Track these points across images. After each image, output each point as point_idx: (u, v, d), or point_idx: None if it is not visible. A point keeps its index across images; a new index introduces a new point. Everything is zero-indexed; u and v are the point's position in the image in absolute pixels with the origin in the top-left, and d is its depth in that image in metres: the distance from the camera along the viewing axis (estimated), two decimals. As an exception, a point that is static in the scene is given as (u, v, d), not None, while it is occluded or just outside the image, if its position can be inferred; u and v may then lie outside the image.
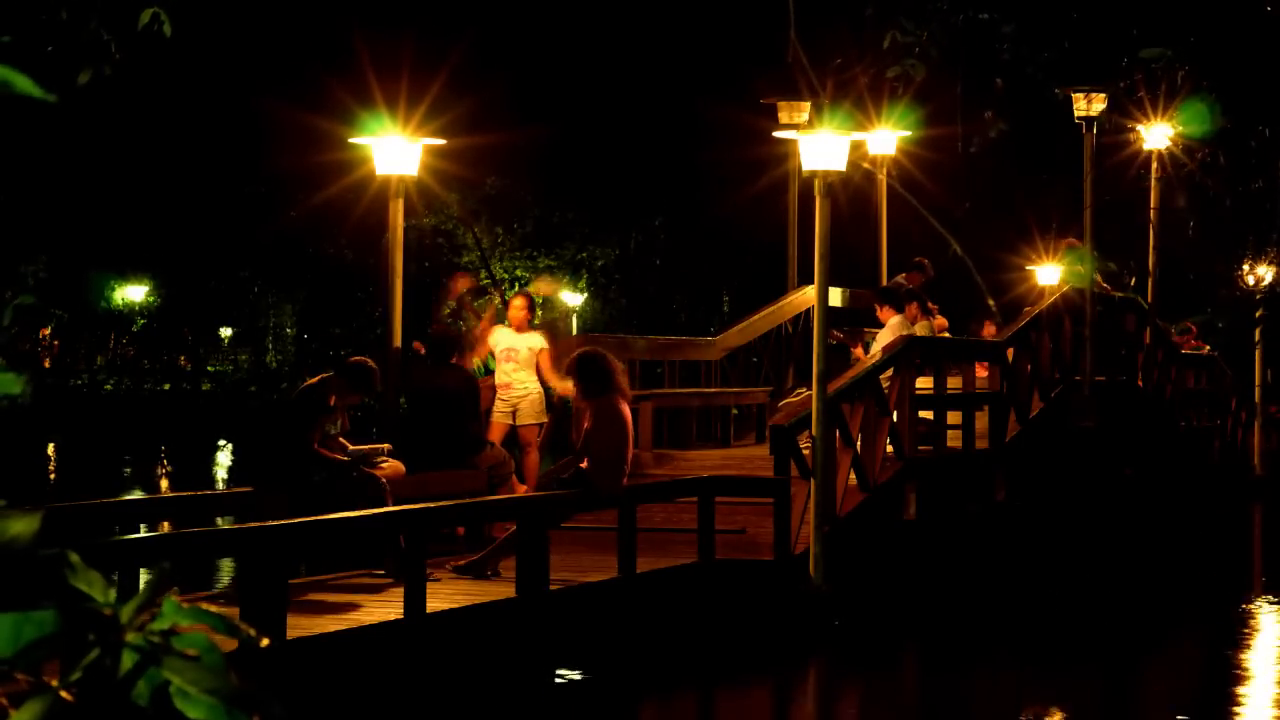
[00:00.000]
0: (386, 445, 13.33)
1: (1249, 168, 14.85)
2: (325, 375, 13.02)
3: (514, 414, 15.98)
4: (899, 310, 18.05)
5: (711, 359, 19.51)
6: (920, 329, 18.12)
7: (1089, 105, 19.66)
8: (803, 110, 18.44)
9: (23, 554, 1.66)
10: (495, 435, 15.68)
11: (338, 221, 43.90)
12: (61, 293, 54.68)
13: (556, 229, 50.19)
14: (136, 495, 25.70)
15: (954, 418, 17.64)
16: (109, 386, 58.18)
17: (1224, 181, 15.04)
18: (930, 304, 19.24)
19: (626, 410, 13.05)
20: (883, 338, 17.61)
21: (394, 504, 12.28)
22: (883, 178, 20.61)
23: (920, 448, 16.84)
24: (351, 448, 12.80)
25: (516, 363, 16.07)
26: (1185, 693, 12.90)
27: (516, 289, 49.33)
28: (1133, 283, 22.53)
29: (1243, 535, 24.04)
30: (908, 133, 19.76)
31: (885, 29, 10.96)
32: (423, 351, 15.07)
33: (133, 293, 58.92)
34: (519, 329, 16.25)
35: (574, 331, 47.12)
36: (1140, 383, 23.08)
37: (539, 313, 17.56)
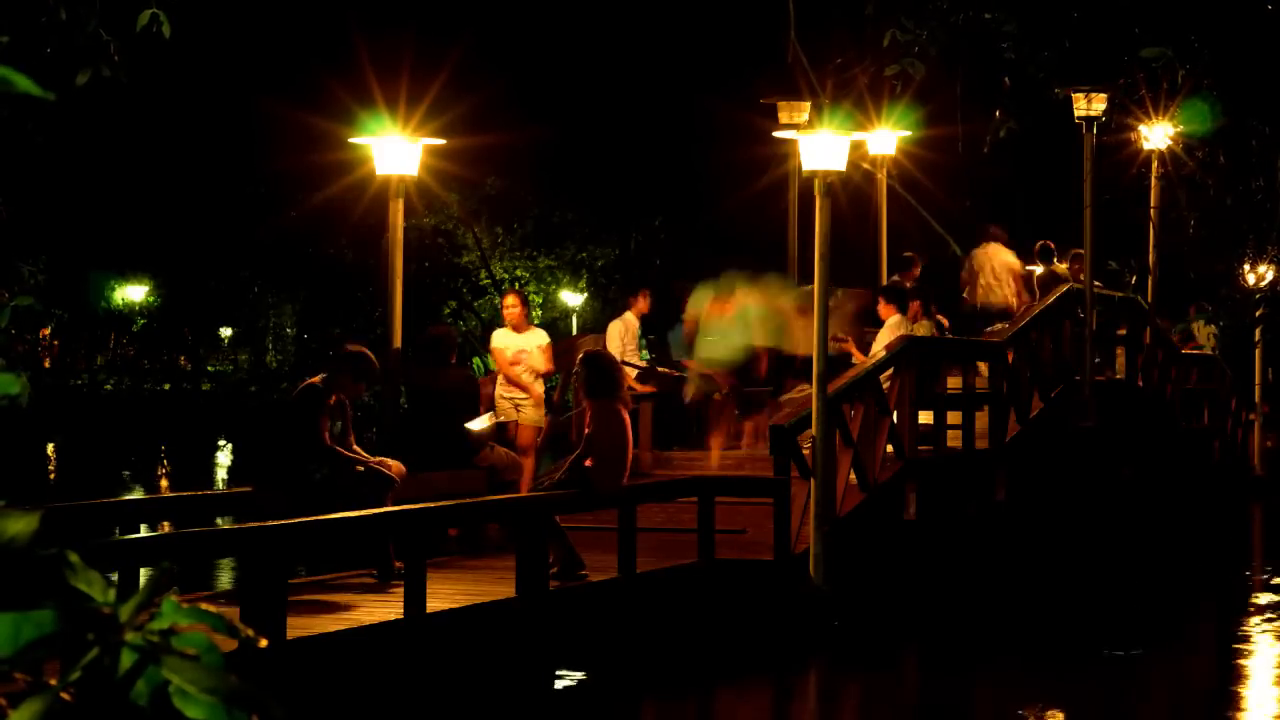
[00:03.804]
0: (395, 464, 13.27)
1: (1249, 166, 14.84)
2: (324, 373, 12.98)
3: (517, 409, 16.04)
4: (902, 309, 18.04)
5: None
6: (921, 329, 18.13)
7: (1089, 105, 19.65)
8: (803, 110, 18.43)
9: (22, 554, 1.66)
10: (510, 431, 15.83)
11: (338, 221, 43.86)
12: (61, 293, 54.70)
13: (556, 229, 50.16)
14: (136, 495, 25.69)
15: (954, 418, 17.64)
16: (109, 386, 58.20)
17: (1224, 180, 15.03)
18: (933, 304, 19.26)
19: (626, 414, 13.09)
20: (883, 337, 17.61)
21: (393, 504, 12.28)
22: (882, 178, 20.61)
23: (920, 448, 16.84)
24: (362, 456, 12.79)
25: (528, 364, 16.13)
26: (1185, 693, 12.90)
27: (506, 288, 49.37)
28: (1133, 280, 22.55)
29: (1243, 535, 24.04)
30: (908, 133, 19.76)
31: (885, 28, 10.96)
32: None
33: (133, 293, 58.94)
34: (518, 328, 16.29)
35: (574, 331, 47.12)
36: (1140, 383, 23.08)
37: (537, 313, 17.79)
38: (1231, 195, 15.14)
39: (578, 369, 13.29)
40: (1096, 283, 21.07)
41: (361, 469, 12.60)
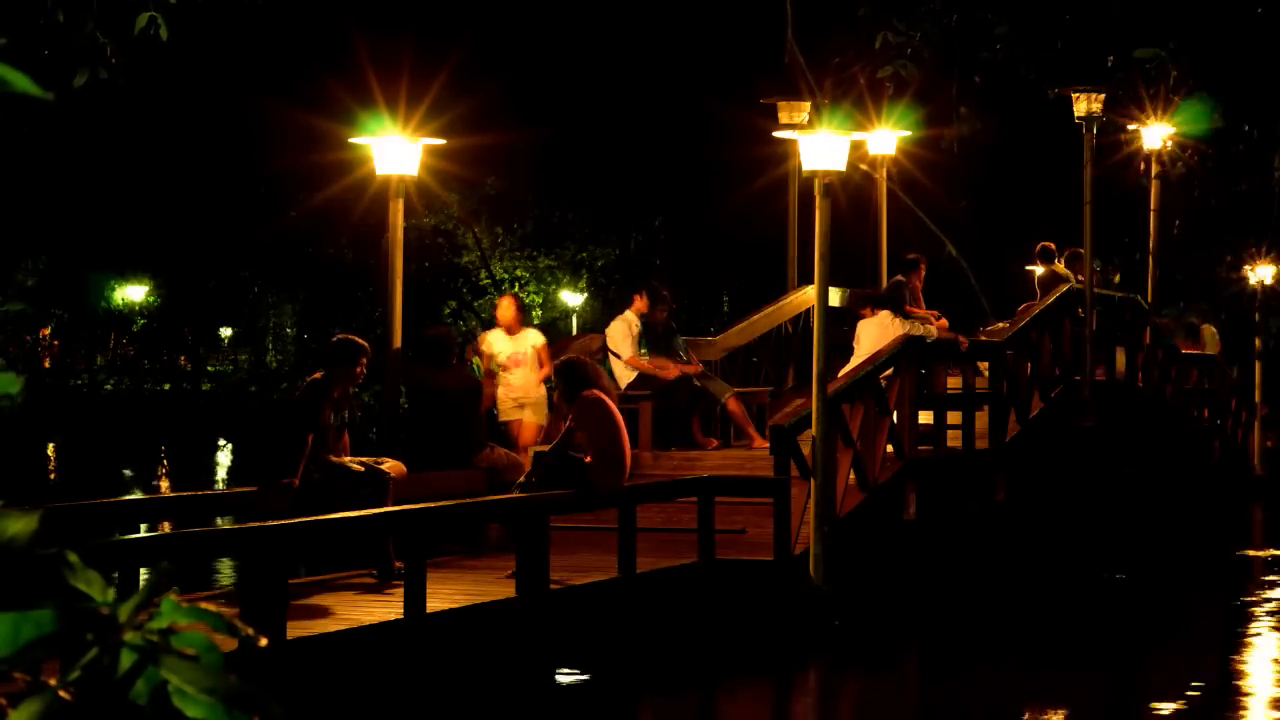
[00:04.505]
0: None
1: (1237, 169, 14.87)
2: (323, 369, 13.02)
3: (521, 409, 16.12)
4: (894, 309, 18.06)
5: (712, 359, 19.49)
6: (898, 327, 18.12)
7: (1088, 105, 19.66)
8: (803, 110, 18.44)
9: (21, 553, 1.66)
10: (514, 430, 15.95)
11: (338, 221, 43.88)
12: (61, 293, 54.71)
13: (556, 229, 50.15)
14: (136, 495, 25.70)
15: (954, 418, 17.64)
16: (109, 386, 58.20)
17: (1210, 182, 15.06)
18: (921, 308, 19.28)
19: (612, 404, 13.12)
20: (877, 338, 17.58)
21: (394, 504, 12.29)
22: (882, 178, 20.61)
23: (920, 448, 16.85)
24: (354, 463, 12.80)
25: (523, 365, 16.18)
26: (1186, 692, 12.90)
27: (506, 289, 49.30)
28: (1117, 279, 22.57)
29: (1242, 535, 24.03)
30: (907, 132, 19.75)
31: (879, 30, 10.97)
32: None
33: (133, 293, 58.94)
34: (511, 330, 16.33)
35: (574, 332, 47.12)
36: (1140, 383, 23.08)
37: (537, 313, 17.83)
38: (1217, 197, 15.17)
39: (554, 381, 13.39)
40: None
41: (361, 469, 12.61)
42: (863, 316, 18.32)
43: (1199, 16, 12.20)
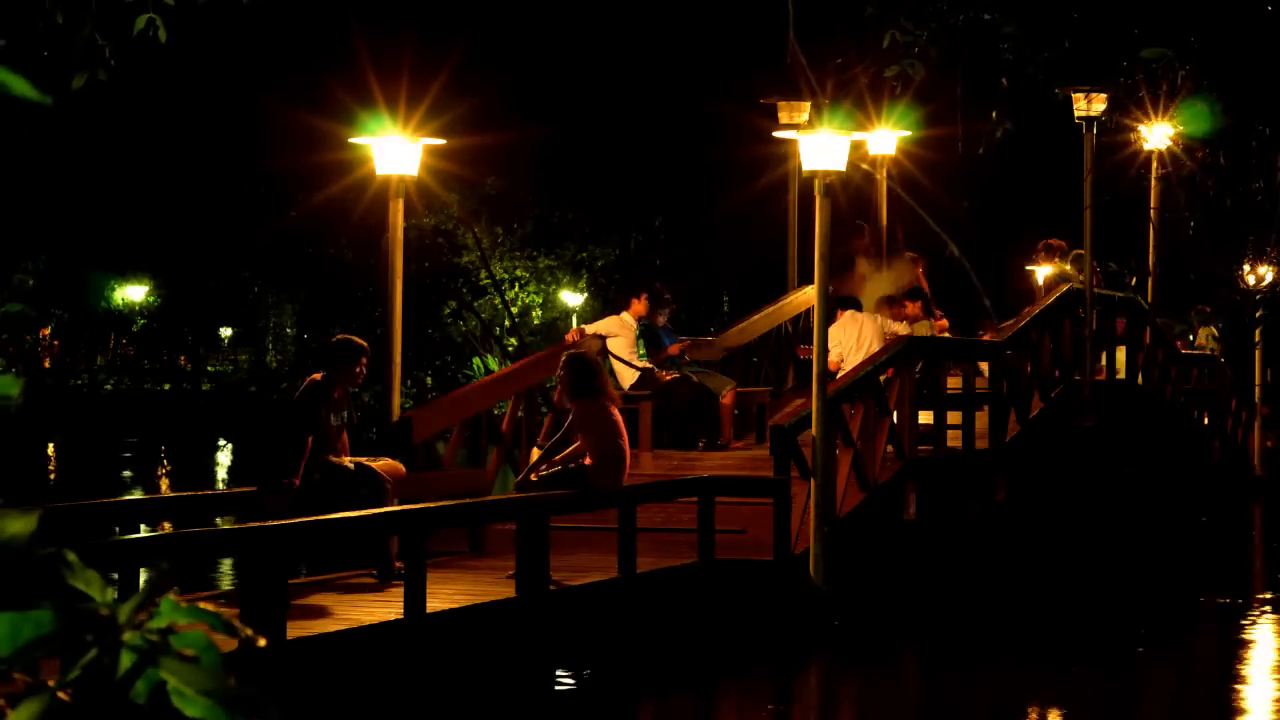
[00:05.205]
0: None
1: (1249, 167, 14.84)
2: (324, 369, 13.01)
3: None
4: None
5: (711, 359, 19.49)
6: (920, 329, 18.13)
7: (1089, 105, 19.65)
8: (803, 110, 18.43)
9: (20, 553, 1.66)
10: None
11: (338, 221, 43.89)
12: (61, 293, 54.71)
13: (556, 229, 50.15)
14: (136, 495, 25.69)
15: (954, 418, 17.64)
16: (109, 386, 58.21)
17: (1224, 181, 15.04)
18: (934, 306, 19.27)
19: (615, 411, 13.10)
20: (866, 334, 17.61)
21: (394, 504, 12.28)
22: (882, 178, 20.60)
23: (920, 448, 16.84)
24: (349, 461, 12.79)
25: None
26: (1185, 692, 12.90)
27: (517, 288, 49.28)
28: (1134, 282, 22.56)
29: (1243, 535, 24.04)
30: (908, 133, 19.76)
31: (885, 29, 10.96)
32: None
33: (133, 293, 58.95)
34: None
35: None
36: (1140, 383, 23.07)
37: (537, 313, 18.00)
38: (1231, 196, 15.14)
39: (561, 372, 13.30)
40: (1096, 282, 21.07)
41: (354, 467, 12.61)
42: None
43: (1208, 15, 12.19)
